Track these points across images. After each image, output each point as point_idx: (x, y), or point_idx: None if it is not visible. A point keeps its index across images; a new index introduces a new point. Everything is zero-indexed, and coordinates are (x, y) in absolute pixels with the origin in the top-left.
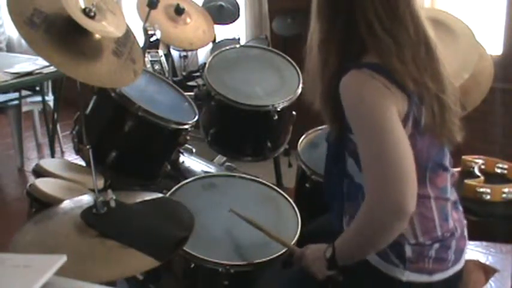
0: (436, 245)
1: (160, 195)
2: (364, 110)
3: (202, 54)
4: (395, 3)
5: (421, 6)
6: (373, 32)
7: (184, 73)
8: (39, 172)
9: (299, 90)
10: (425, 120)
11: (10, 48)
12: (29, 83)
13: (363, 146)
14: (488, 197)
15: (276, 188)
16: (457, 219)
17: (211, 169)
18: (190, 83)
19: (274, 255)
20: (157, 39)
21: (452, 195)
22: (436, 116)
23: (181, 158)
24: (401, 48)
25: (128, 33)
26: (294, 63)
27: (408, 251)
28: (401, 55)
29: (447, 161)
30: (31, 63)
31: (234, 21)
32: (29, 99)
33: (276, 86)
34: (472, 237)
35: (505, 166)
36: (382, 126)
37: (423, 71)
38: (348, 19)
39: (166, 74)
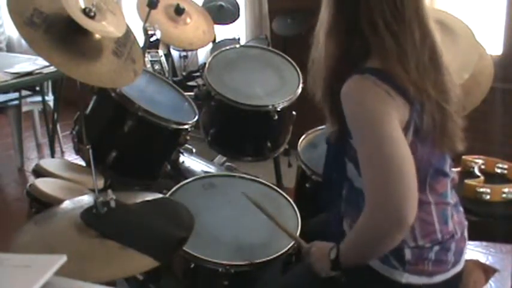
0: (436, 248)
1: (160, 195)
2: (363, 114)
3: (202, 54)
4: (402, 6)
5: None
6: (376, 32)
7: (184, 73)
8: (39, 172)
9: (299, 90)
10: (426, 128)
11: (10, 48)
12: (29, 83)
13: (362, 151)
14: (488, 197)
15: (276, 188)
16: (457, 222)
17: (211, 169)
18: (190, 83)
19: (274, 255)
20: (157, 39)
21: (452, 198)
22: (437, 125)
23: (181, 158)
24: (404, 52)
25: (128, 33)
26: (294, 63)
27: (408, 253)
28: (403, 60)
29: (447, 167)
30: (31, 63)
31: (234, 21)
32: (29, 99)
33: (276, 86)
34: (472, 237)
35: (505, 166)
36: (381, 131)
37: (426, 77)
38: (354, 15)
39: (166, 74)
